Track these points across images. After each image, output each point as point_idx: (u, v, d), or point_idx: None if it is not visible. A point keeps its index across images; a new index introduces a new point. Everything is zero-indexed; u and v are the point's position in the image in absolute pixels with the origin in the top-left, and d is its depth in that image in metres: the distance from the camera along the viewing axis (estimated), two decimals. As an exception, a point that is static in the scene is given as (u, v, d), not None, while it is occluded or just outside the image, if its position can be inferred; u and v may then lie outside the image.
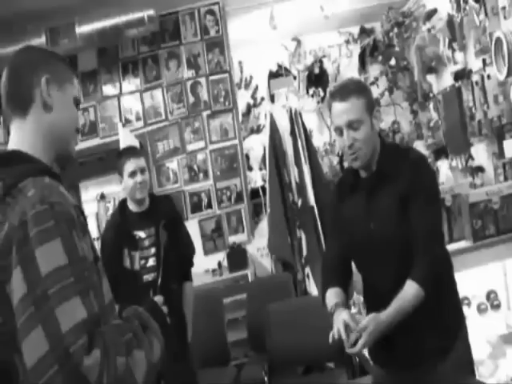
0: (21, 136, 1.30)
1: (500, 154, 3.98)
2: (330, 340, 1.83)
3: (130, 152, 3.03)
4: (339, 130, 1.99)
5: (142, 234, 2.95)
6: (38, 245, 1.08)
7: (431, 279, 1.90)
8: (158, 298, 1.44)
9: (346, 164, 5.62)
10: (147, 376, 1.15)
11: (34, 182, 1.17)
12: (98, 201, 6.22)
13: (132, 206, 3.00)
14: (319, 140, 5.64)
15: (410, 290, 1.86)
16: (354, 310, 3.65)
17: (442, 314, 2.02)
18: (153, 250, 2.93)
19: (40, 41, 4.42)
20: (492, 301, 3.12)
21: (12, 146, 1.30)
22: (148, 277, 2.90)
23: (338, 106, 1.97)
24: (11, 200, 1.15)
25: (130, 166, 2.91)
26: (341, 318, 1.85)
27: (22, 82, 1.32)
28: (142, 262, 2.91)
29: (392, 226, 1.97)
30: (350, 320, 1.82)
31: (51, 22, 4.41)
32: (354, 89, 1.99)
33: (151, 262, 2.92)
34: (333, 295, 2.06)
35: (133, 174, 2.91)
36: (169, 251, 2.91)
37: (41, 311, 1.04)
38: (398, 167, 2.00)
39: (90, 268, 1.18)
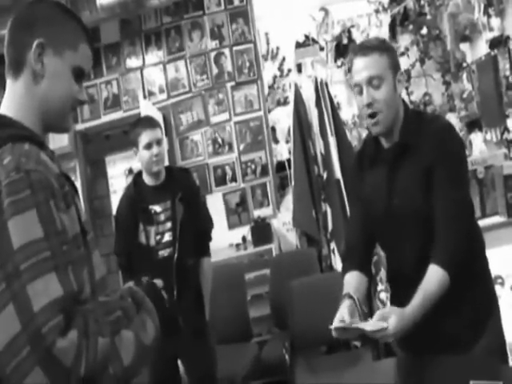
0: (10, 98, 1.20)
1: (538, 124, 3.70)
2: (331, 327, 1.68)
3: (146, 122, 2.87)
4: (359, 88, 1.79)
5: (157, 208, 2.80)
6: (11, 216, 0.99)
7: (457, 260, 1.71)
8: (158, 282, 1.32)
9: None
10: (137, 358, 1.06)
11: (12, 149, 1.07)
12: (126, 176, 6.11)
13: (147, 180, 2.85)
14: (348, 112, 5.40)
15: (434, 277, 1.68)
16: (381, 287, 3.47)
17: (472, 297, 1.82)
18: (169, 225, 2.78)
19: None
20: (527, 279, 2.90)
21: (2, 107, 1.21)
22: (164, 252, 2.75)
23: (358, 62, 1.78)
24: None
25: (145, 137, 2.75)
26: (339, 313, 1.73)
27: (17, 41, 1.20)
28: (158, 237, 2.77)
29: (416, 201, 1.78)
30: (347, 314, 1.69)
31: (73, -7, 4.25)
32: (377, 45, 1.80)
33: (167, 237, 2.77)
34: (348, 281, 1.92)
35: (148, 146, 2.75)
36: (185, 226, 2.76)
37: (12, 288, 0.96)
38: (423, 137, 1.80)
39: (70, 242, 1.07)
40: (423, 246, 1.77)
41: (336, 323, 1.70)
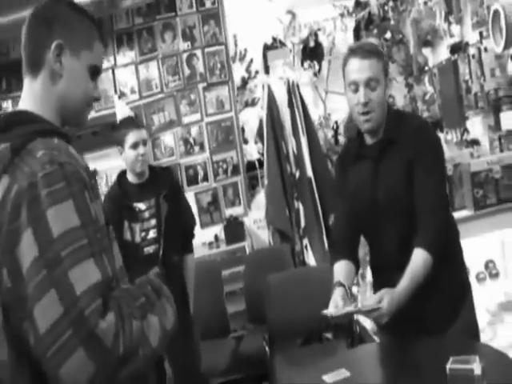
0: (30, 95, 1.26)
1: (496, 126, 3.98)
2: (323, 313, 1.87)
3: (132, 123, 2.99)
4: (355, 86, 1.98)
5: (141, 205, 2.91)
6: (50, 206, 1.04)
7: (438, 244, 1.93)
8: (155, 270, 1.38)
9: (340, 138, 5.63)
10: (161, 342, 1.12)
11: (44, 143, 1.13)
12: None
13: (131, 178, 2.97)
14: (314, 113, 5.54)
15: (420, 259, 1.89)
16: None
17: (449, 280, 2.05)
18: (153, 222, 2.90)
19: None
20: (490, 270, 3.16)
21: (21, 104, 1.27)
22: (149, 249, 2.87)
23: (358, 63, 1.97)
24: (19, 161, 1.10)
25: (132, 137, 2.86)
26: (332, 299, 1.92)
27: (35, 41, 1.26)
28: (143, 234, 2.88)
29: (398, 192, 1.99)
30: (340, 300, 1.89)
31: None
32: (375, 51, 2.02)
33: (152, 233, 2.89)
34: (338, 270, 2.12)
35: (135, 146, 2.87)
36: (170, 223, 2.88)
37: (53, 274, 1.01)
38: (404, 134, 2.01)
39: (102, 230, 1.15)
40: (404, 234, 1.99)
41: (331, 309, 1.88)
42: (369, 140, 2.10)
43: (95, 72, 1.32)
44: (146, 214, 2.91)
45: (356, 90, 1.99)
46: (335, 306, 1.90)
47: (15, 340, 1.07)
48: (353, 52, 2.03)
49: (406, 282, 1.86)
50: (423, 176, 1.96)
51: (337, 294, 1.95)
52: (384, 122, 2.05)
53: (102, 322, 1.00)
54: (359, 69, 1.97)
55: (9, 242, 1.05)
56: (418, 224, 1.94)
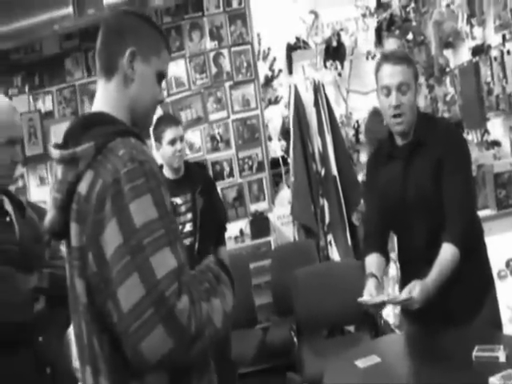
0: (105, 98, 1.38)
1: (517, 128, 4.11)
2: (359, 300, 2.05)
3: (170, 120, 3.12)
4: (387, 90, 2.14)
5: (178, 200, 3.06)
6: (132, 199, 1.16)
7: (465, 239, 2.08)
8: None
9: (361, 137, 5.78)
10: (224, 323, 1.23)
11: (123, 143, 1.24)
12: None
13: (168, 173, 3.10)
14: (336, 112, 5.66)
15: (448, 253, 2.04)
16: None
17: (474, 273, 2.20)
18: (189, 216, 3.05)
19: (67, 11, 4.47)
20: (511, 268, 3.31)
21: (97, 105, 1.39)
22: (185, 242, 2.98)
23: (390, 68, 2.14)
24: (102, 159, 1.22)
25: (170, 133, 3.00)
26: (366, 289, 2.10)
27: (110, 48, 1.37)
28: (180, 227, 3.03)
29: (427, 191, 2.15)
30: (373, 289, 2.08)
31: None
32: (406, 58, 2.19)
33: (188, 227, 3.05)
34: (370, 262, 2.29)
35: (173, 142, 3.01)
36: (205, 216, 3.04)
37: (136, 259, 1.12)
38: (433, 135, 2.17)
39: (174, 221, 1.27)
40: (432, 230, 2.16)
41: (366, 297, 2.06)
42: (399, 141, 2.27)
43: (162, 77, 1.43)
44: (183, 208, 3.07)
45: (388, 94, 2.16)
46: (369, 295, 2.08)
47: (98, 318, 1.21)
48: (385, 58, 2.20)
49: (435, 274, 2.01)
50: (451, 175, 2.12)
51: (370, 284, 2.13)
52: (414, 124, 2.21)
53: (179, 302, 1.11)
54: (391, 74, 2.14)
55: (94, 231, 1.18)
56: (446, 220, 2.11)
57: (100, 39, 1.40)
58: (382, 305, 2.09)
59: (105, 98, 1.38)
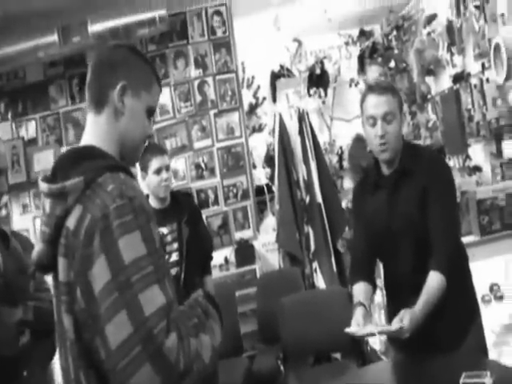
0: (94, 131, 1.39)
1: (498, 154, 4.20)
2: (346, 330, 2.07)
3: (156, 149, 3.11)
4: (373, 120, 2.20)
5: (164, 229, 3.04)
6: (121, 236, 1.17)
7: (451, 267, 2.11)
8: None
9: (345, 163, 5.86)
10: (212, 358, 1.24)
11: (112, 178, 1.25)
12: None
13: (154, 203, 3.09)
14: (319, 139, 5.77)
15: (435, 281, 2.07)
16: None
17: (460, 300, 2.23)
18: (175, 246, 3.03)
19: (52, 38, 4.53)
20: (495, 292, 3.37)
21: (86, 138, 1.39)
22: (172, 271, 2.96)
23: (376, 99, 2.19)
24: (91, 193, 1.23)
25: (156, 163, 3.00)
26: (354, 318, 2.11)
27: (101, 81, 1.39)
28: (166, 257, 3.04)
29: (413, 219, 2.19)
30: (361, 319, 2.09)
31: (64, 20, 4.52)
32: (391, 88, 2.25)
33: (174, 256, 3.03)
34: (357, 291, 2.31)
35: (158, 171, 3.00)
36: (190, 246, 3.03)
37: (125, 296, 1.13)
38: (418, 164, 2.22)
39: (163, 257, 1.28)
40: (418, 257, 2.19)
41: (354, 327, 2.08)
42: (385, 170, 2.31)
43: (151, 111, 1.45)
44: (169, 238, 3.06)
45: (374, 124, 2.21)
46: (357, 325, 2.10)
47: (85, 354, 1.22)
48: (370, 89, 2.26)
49: (422, 302, 2.04)
50: (436, 203, 2.16)
51: (358, 313, 2.15)
52: (399, 153, 2.26)
53: (167, 340, 1.12)
54: (376, 104, 2.19)
55: (82, 266, 1.19)
56: (432, 248, 2.15)
57: (91, 71, 1.41)
58: (371, 335, 2.11)
59: (94, 131, 1.39)
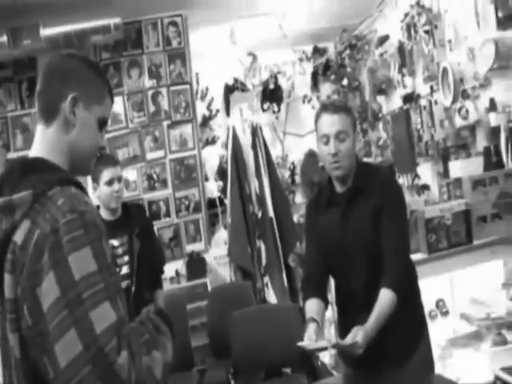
0: (44, 142, 1.35)
1: (445, 174, 4.39)
2: (298, 344, 2.10)
3: (108, 160, 3.06)
4: (326, 138, 2.26)
5: (115, 242, 3.00)
6: (71, 251, 1.14)
7: (402, 284, 2.20)
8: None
9: (297, 178, 5.96)
10: (164, 374, 1.23)
11: (62, 192, 1.22)
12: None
13: (104, 214, 3.06)
14: (272, 154, 5.88)
15: (387, 298, 2.14)
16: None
17: (409, 317, 2.31)
18: (126, 258, 3.00)
19: (1, 39, 4.42)
20: (441, 308, 3.50)
21: (35, 150, 1.35)
22: (122, 284, 2.97)
23: (329, 117, 2.25)
24: (40, 208, 1.19)
25: (107, 174, 2.97)
26: (307, 333, 2.14)
27: (51, 92, 1.35)
28: (116, 269, 3.02)
29: (365, 237, 2.26)
30: (313, 334, 2.12)
31: (15, 22, 4.42)
32: (345, 107, 2.31)
33: (124, 269, 3.00)
34: (310, 307, 2.33)
35: (110, 183, 2.97)
36: (142, 259, 3.01)
37: (74, 314, 1.10)
38: (371, 183, 2.30)
39: (115, 273, 1.24)
40: (370, 275, 2.26)
41: (306, 342, 2.13)
42: (339, 188, 2.38)
43: (103, 123, 1.42)
44: (120, 251, 3.03)
45: (327, 142, 2.27)
46: (309, 339, 2.15)
47: (32, 373, 1.18)
48: (324, 108, 2.32)
49: (373, 319, 2.11)
50: (389, 222, 2.24)
51: (311, 329, 2.19)
52: (353, 171, 2.33)
53: (119, 358, 1.10)
54: (330, 123, 2.26)
55: (30, 282, 1.15)
56: (383, 266, 2.23)
57: (41, 81, 1.37)
58: (323, 350, 2.17)
59: (44, 142, 1.35)
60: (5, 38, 4.45)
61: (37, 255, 1.15)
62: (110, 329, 1.12)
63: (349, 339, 2.02)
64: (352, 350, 2.04)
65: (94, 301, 1.13)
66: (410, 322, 2.33)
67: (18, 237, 1.20)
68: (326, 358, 3.75)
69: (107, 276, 1.17)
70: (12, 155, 4.96)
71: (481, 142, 4.05)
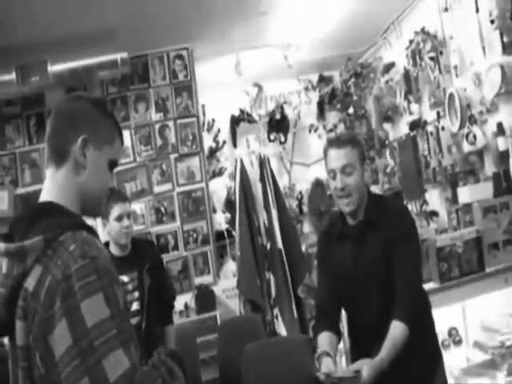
0: (54, 186, 1.36)
1: (454, 199, 4.40)
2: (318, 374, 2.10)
3: (117, 196, 3.09)
4: (333, 173, 2.30)
5: (125, 278, 3.02)
6: (83, 298, 1.14)
7: (413, 316, 2.20)
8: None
9: (304, 208, 5.99)
10: None
11: (74, 237, 1.22)
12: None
13: (114, 250, 3.10)
14: (279, 183, 5.94)
15: (398, 331, 2.14)
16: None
17: (425, 347, 2.32)
18: (136, 294, 3.03)
19: (10, 77, 4.51)
20: (454, 337, 3.49)
21: (45, 195, 1.36)
22: (132, 321, 2.92)
23: (335, 152, 2.30)
24: (52, 253, 1.20)
25: (117, 210, 3.01)
26: (324, 365, 2.14)
27: (62, 135, 1.37)
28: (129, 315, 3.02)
29: (378, 270, 2.28)
30: (330, 368, 2.12)
31: (22, 59, 4.51)
32: (350, 140, 2.33)
33: (135, 305, 3.02)
34: (323, 341, 2.34)
35: (120, 218, 3.01)
36: (152, 295, 3.03)
37: (87, 362, 1.11)
38: (383, 216, 2.31)
39: (127, 319, 1.25)
40: (381, 306, 2.27)
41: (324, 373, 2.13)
42: (350, 221, 2.40)
43: (114, 164, 1.44)
44: (130, 287, 3.05)
45: (334, 177, 2.30)
46: (328, 371, 2.14)
47: None
48: (330, 143, 2.36)
49: (385, 351, 2.11)
50: (401, 254, 2.24)
51: (327, 361, 2.20)
52: (364, 204, 2.35)
53: None
54: (335, 157, 2.29)
55: (42, 330, 1.16)
56: (395, 298, 2.24)
57: (52, 124, 1.39)
58: (337, 380, 2.16)
59: (54, 185, 1.36)
60: (13, 76, 4.53)
61: (49, 302, 1.16)
62: (124, 377, 1.12)
63: (348, 371, 2.03)
64: (353, 383, 2.03)
65: (107, 348, 1.13)
66: (426, 352, 2.34)
67: (30, 283, 1.20)
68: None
69: (120, 322, 1.18)
70: (20, 191, 5.02)
71: (489, 167, 4.08)
